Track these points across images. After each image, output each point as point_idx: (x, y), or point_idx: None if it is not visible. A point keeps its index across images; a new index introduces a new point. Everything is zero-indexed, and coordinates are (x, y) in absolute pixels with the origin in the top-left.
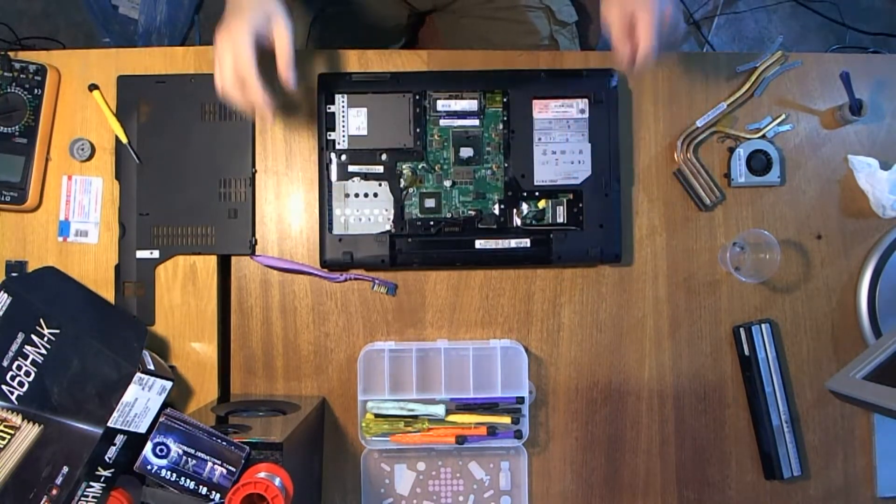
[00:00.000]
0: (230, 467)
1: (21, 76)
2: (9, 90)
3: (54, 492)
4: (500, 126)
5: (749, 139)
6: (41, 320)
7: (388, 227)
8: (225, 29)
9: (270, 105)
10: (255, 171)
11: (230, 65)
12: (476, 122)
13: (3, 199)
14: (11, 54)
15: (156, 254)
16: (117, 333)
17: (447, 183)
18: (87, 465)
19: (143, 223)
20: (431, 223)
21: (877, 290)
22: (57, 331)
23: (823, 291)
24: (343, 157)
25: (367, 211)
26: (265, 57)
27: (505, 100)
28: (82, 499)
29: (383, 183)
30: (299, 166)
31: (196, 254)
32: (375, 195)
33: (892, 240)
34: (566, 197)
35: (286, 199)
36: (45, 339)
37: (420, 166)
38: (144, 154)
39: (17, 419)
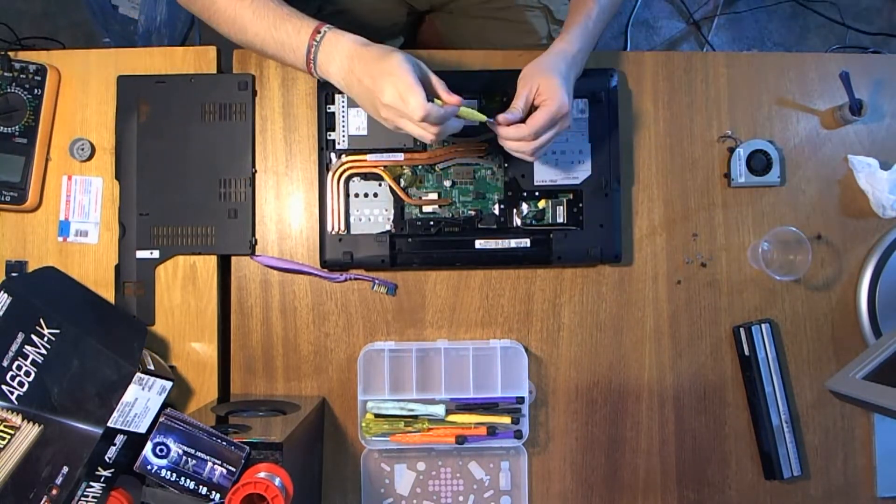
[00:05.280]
0: (230, 467)
1: (21, 76)
2: (9, 90)
3: (54, 492)
4: None
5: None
6: (41, 320)
7: (388, 227)
8: (385, 91)
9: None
10: (255, 171)
11: (411, 118)
12: (476, 122)
13: (3, 199)
14: (11, 54)
15: (156, 254)
16: (117, 333)
17: (447, 183)
18: (87, 465)
19: (143, 223)
20: (431, 223)
21: (877, 290)
22: (57, 331)
23: (823, 291)
24: (343, 157)
25: (367, 211)
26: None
27: (505, 100)
28: (82, 499)
29: (383, 183)
30: (299, 166)
31: (196, 254)
32: (375, 195)
33: (892, 240)
34: (566, 197)
35: (286, 199)
36: (45, 339)
37: (420, 166)
38: (144, 154)
39: (17, 419)
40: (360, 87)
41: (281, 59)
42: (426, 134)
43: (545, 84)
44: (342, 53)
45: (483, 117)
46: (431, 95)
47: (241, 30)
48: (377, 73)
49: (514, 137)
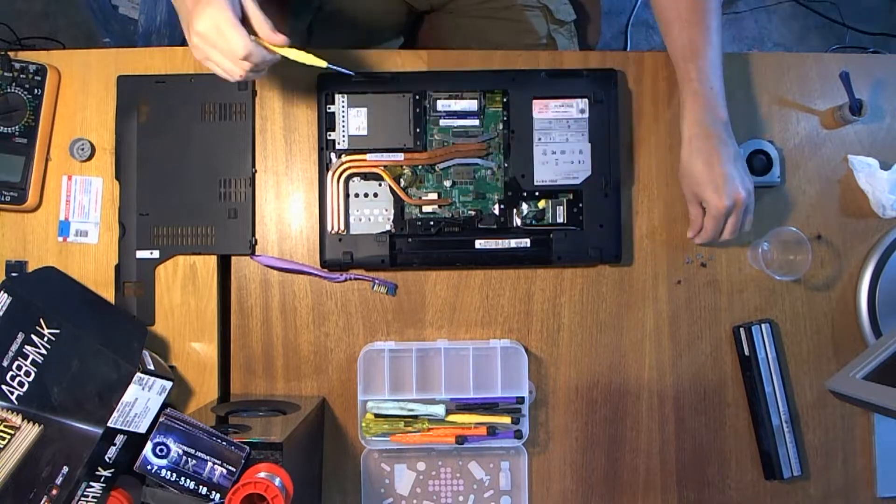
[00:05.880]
0: (230, 467)
1: (21, 76)
2: (9, 90)
3: (54, 492)
4: (500, 126)
5: None
6: (41, 320)
7: (388, 227)
8: (200, 19)
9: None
10: (255, 171)
11: (227, 54)
12: (476, 122)
13: (3, 199)
14: (11, 54)
15: (156, 254)
16: (117, 333)
17: (447, 183)
18: (87, 465)
19: (143, 223)
20: (431, 223)
21: (877, 290)
22: (57, 331)
23: (823, 291)
24: (343, 157)
25: (367, 211)
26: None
27: (505, 100)
28: (82, 499)
29: (383, 183)
30: (299, 166)
31: (196, 254)
32: (375, 195)
33: (892, 240)
34: (566, 197)
35: (286, 199)
36: (45, 339)
37: (420, 166)
38: (144, 154)
39: (17, 419)
40: (180, 5)
41: None
42: (237, 71)
43: (701, 194)
44: None
45: (320, 62)
46: (252, 32)
47: None
48: None
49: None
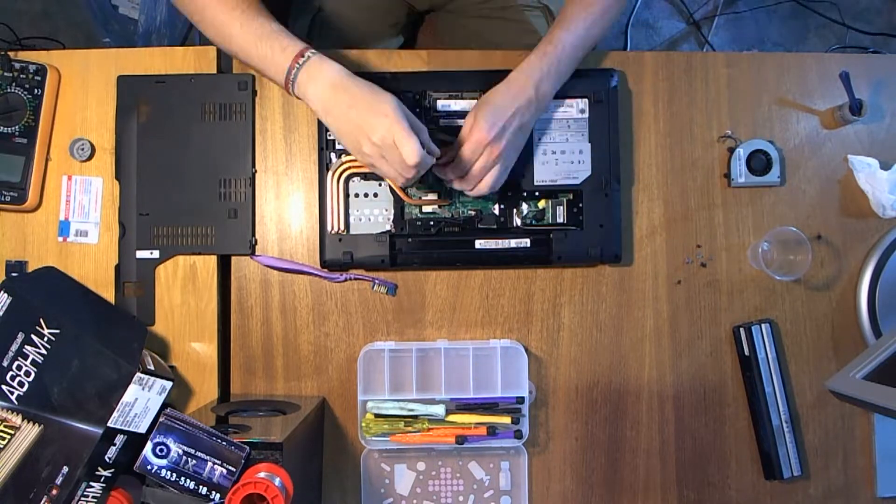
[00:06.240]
0: (230, 467)
1: (21, 76)
2: (9, 90)
3: (54, 492)
4: None
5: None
6: (41, 320)
7: (388, 227)
8: (376, 130)
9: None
10: (255, 171)
11: (397, 163)
12: None
13: (3, 199)
14: (11, 54)
15: (156, 254)
16: (117, 333)
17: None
18: (87, 465)
19: (143, 223)
20: (431, 223)
21: (877, 290)
22: (57, 331)
23: (823, 291)
24: (343, 157)
25: (367, 211)
26: None
27: None
28: (82, 499)
29: (383, 183)
30: (299, 166)
31: (196, 254)
32: (375, 195)
33: (892, 240)
34: (566, 197)
35: (286, 199)
36: (45, 339)
37: None
38: (144, 154)
39: (17, 419)
40: (344, 117)
41: (262, 73)
42: (401, 177)
43: (472, 115)
44: (325, 81)
45: None
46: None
47: (227, 39)
48: (368, 110)
49: (451, 178)
